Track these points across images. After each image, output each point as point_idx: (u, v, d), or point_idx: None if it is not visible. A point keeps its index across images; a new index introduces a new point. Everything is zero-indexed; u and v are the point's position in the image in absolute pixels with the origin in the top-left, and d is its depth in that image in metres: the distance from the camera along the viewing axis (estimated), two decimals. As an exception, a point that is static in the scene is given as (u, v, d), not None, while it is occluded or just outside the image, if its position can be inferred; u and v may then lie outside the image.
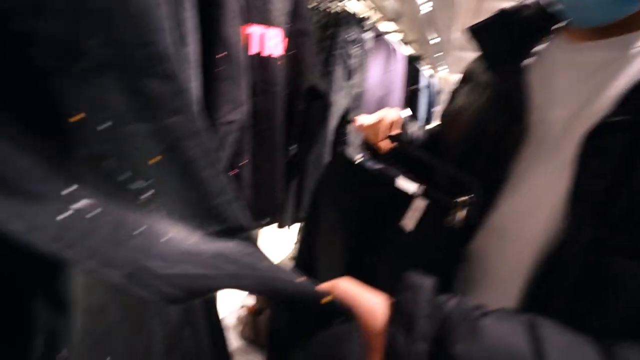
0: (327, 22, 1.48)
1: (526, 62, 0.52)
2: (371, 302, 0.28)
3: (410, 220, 0.59)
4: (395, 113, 0.71)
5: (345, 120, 1.72)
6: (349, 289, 0.29)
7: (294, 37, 0.94)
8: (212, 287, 0.23)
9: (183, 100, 0.33)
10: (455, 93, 0.70)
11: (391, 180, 0.67)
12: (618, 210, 0.38)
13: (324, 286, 0.29)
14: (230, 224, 0.35)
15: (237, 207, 0.35)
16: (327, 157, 1.53)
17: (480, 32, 0.56)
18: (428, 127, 0.79)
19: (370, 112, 2.02)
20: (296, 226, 1.90)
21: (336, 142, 1.73)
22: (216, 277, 0.23)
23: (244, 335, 1.50)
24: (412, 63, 3.00)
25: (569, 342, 0.27)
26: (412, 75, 3.05)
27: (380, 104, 1.97)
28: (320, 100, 1.06)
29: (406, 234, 0.58)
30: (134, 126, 0.32)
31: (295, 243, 2.04)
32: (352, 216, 0.70)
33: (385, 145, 0.70)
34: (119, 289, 0.27)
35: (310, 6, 1.50)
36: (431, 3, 2.33)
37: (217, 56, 0.57)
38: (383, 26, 2.42)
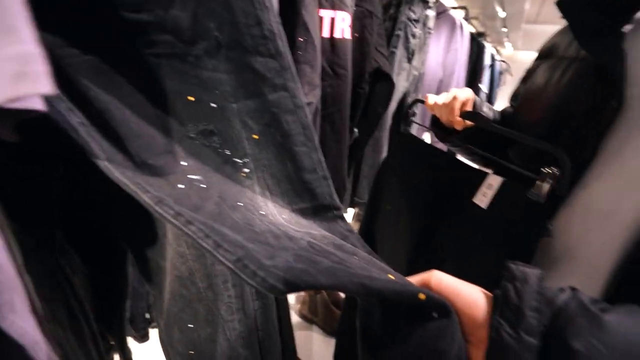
0: (389, 1, 1.43)
1: (624, 31, 0.46)
2: (470, 294, 0.27)
3: (485, 197, 0.58)
4: (467, 92, 0.69)
5: (405, 103, 1.67)
6: (443, 281, 0.27)
7: (360, 18, 0.93)
8: (311, 284, 0.22)
9: (287, 76, 0.34)
10: (532, 71, 0.65)
11: (462, 159, 0.66)
12: None
13: (416, 279, 0.29)
14: (321, 201, 0.36)
15: (329, 185, 0.36)
16: (385, 141, 1.51)
17: (570, 6, 0.51)
18: (498, 108, 0.74)
19: (431, 93, 1.94)
20: (351, 211, 1.91)
21: (395, 126, 1.69)
22: (315, 274, 0.23)
23: (301, 313, 1.57)
24: (476, 40, 2.79)
25: None
26: (476, 54, 2.85)
27: (441, 86, 1.87)
28: (384, 83, 1.04)
29: (480, 210, 0.56)
30: (241, 103, 0.34)
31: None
32: (422, 196, 0.70)
33: (459, 123, 0.69)
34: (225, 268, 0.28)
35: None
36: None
37: (299, 39, 0.58)
38: (446, 1, 2.27)
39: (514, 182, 0.54)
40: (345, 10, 0.79)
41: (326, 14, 0.75)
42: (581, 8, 0.51)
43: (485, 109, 0.71)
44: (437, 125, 0.75)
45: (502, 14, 3.32)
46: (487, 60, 2.92)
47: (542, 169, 0.48)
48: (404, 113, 0.87)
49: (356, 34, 0.95)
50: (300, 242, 0.29)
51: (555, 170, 0.47)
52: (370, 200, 0.84)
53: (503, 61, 3.68)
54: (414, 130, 1.51)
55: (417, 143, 0.76)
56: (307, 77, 0.61)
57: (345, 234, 0.35)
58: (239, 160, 0.36)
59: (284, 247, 0.27)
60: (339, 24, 0.78)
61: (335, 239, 0.33)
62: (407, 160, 0.77)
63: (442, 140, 0.77)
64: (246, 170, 0.36)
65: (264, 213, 0.33)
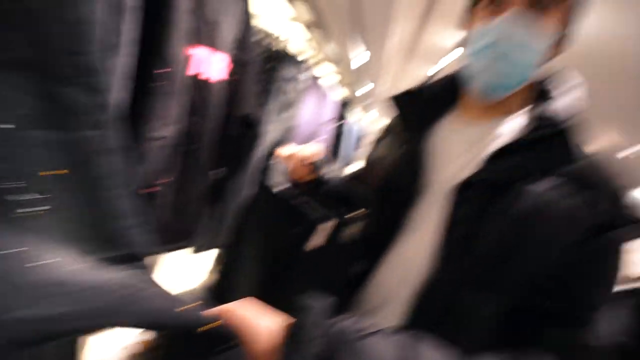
0: (268, 56, 1.54)
1: (432, 129, 0.63)
2: (263, 325, 0.28)
3: (315, 242, 0.66)
4: (314, 147, 0.77)
5: (273, 150, 1.76)
6: (246, 311, 0.29)
7: (237, 65, 0.95)
8: (70, 328, 0.21)
9: (103, 115, 0.31)
10: (378, 142, 0.79)
11: (306, 207, 0.73)
12: (473, 252, 0.48)
13: (220, 310, 0.29)
14: (127, 251, 0.33)
15: (138, 233, 0.33)
16: (251, 185, 1.52)
17: (399, 99, 0.66)
18: (351, 168, 0.87)
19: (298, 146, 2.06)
20: (213, 252, 1.79)
21: (263, 171, 1.74)
22: (79, 315, 0.22)
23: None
24: (344, 105, 3.24)
25: (440, 357, 0.34)
26: (342, 116, 3.28)
27: (308, 140, 2.06)
28: (253, 129, 1.07)
29: (313, 253, 0.64)
30: (43, 132, 0.30)
31: (211, 270, 1.91)
32: (272, 241, 0.73)
33: (303, 174, 0.75)
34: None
35: (257, 38, 1.55)
36: (366, 55, 2.59)
37: (157, 71, 0.55)
38: (322, 68, 2.58)
39: (340, 225, 0.64)
40: (224, 52, 0.80)
41: (202, 52, 0.75)
42: (407, 103, 0.66)
43: (333, 165, 0.81)
44: (289, 176, 0.81)
45: (366, 87, 3.98)
46: (351, 123, 3.40)
47: (349, 216, 0.59)
48: (267, 164, 0.91)
49: (234, 78, 0.97)
50: (81, 286, 0.26)
51: (360, 212, 0.58)
52: (230, 244, 0.84)
53: (366, 126, 4.32)
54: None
55: (271, 192, 0.80)
56: (162, 111, 0.57)
57: (143, 283, 0.33)
58: (25, 197, 0.29)
59: (53, 294, 0.24)
60: (215, 64, 0.79)
61: (131, 280, 0.30)
62: (263, 207, 0.80)
63: (288, 189, 0.82)
64: (34, 209, 0.30)
65: (44, 262, 0.27)
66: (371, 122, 6.48)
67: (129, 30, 0.47)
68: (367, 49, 2.46)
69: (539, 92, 0.58)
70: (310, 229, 0.66)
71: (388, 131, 0.79)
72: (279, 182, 0.82)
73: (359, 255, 0.61)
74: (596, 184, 0.49)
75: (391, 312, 0.54)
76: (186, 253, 1.42)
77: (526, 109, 0.58)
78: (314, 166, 0.74)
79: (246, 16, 0.93)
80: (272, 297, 0.69)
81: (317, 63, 2.12)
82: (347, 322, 0.29)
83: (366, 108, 5.95)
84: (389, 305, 0.56)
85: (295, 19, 1.54)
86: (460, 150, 0.59)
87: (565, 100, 0.54)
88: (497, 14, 0.52)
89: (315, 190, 0.78)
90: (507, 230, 0.48)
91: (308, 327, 0.27)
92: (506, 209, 0.49)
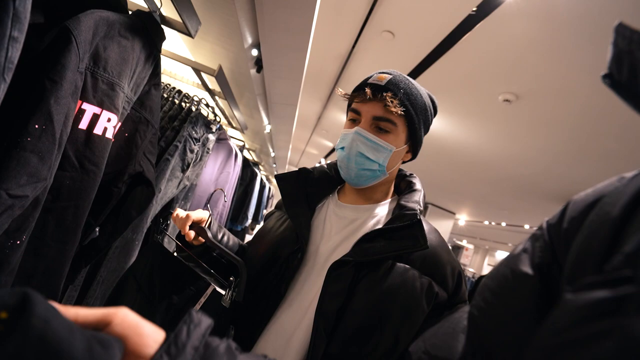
0: (176, 115, 1.54)
1: (316, 207, 0.73)
2: (146, 333, 0.28)
3: (199, 304, 0.66)
4: (204, 214, 0.79)
5: (170, 208, 1.66)
6: (128, 318, 0.28)
7: (135, 122, 0.94)
8: None
9: None
10: (269, 215, 0.85)
11: (192, 268, 0.73)
12: (342, 325, 0.55)
13: (101, 312, 0.28)
14: None
15: None
16: (139, 245, 1.39)
17: (283, 179, 0.76)
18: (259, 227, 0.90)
19: (199, 205, 2.01)
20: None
21: (156, 229, 1.61)
22: None
23: None
24: (252, 167, 3.31)
25: None
26: (250, 177, 3.33)
27: (211, 200, 2.02)
28: (144, 187, 1.02)
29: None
30: None
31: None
32: (159, 302, 0.70)
33: (188, 235, 0.75)
34: None
35: (164, 95, 1.55)
36: (272, 125, 2.78)
37: (35, 125, 0.52)
38: (230, 132, 2.65)
39: (216, 289, 0.65)
40: (113, 112, 0.79)
41: (90, 108, 0.73)
42: (289, 183, 0.76)
43: (216, 230, 0.82)
44: (179, 239, 0.81)
45: (272, 153, 4.17)
46: (257, 185, 3.45)
47: (229, 278, 0.61)
48: (158, 224, 0.88)
49: (126, 134, 0.94)
50: None
51: (234, 279, 0.61)
52: (109, 301, 0.81)
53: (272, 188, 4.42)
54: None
55: (164, 252, 0.78)
56: (31, 167, 0.53)
57: None
58: None
59: None
60: (102, 122, 0.77)
61: None
62: (151, 267, 0.77)
63: (179, 251, 0.82)
64: None
65: None
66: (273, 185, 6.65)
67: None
68: (270, 122, 2.66)
69: (396, 188, 0.76)
70: (195, 290, 0.66)
71: (278, 206, 0.86)
72: (169, 241, 0.80)
73: (238, 322, 0.63)
74: (442, 265, 0.64)
75: None
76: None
77: (389, 199, 0.74)
78: (202, 231, 0.75)
79: (152, 78, 0.95)
80: None
81: (224, 127, 2.18)
82: (227, 345, 0.30)
83: (271, 171, 6.15)
84: None
85: (202, 87, 1.62)
86: (337, 228, 0.69)
87: (414, 198, 0.71)
88: (352, 127, 0.68)
89: (201, 254, 0.78)
90: (375, 302, 0.58)
91: (190, 337, 0.27)
92: (374, 285, 0.59)
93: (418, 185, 0.76)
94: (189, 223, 0.75)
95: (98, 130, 0.76)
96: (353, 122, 0.69)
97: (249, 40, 1.29)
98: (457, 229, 8.72)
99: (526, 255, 0.33)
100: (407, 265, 0.61)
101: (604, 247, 0.25)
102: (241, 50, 1.35)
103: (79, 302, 1.22)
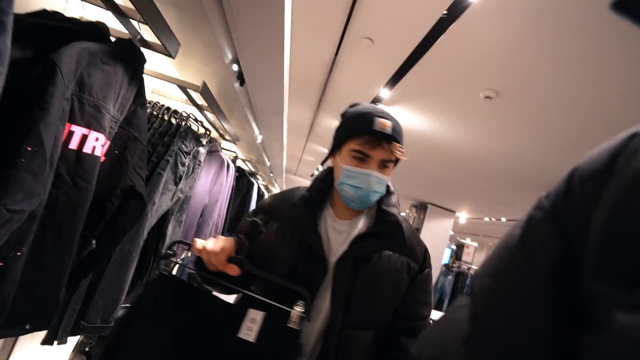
0: (166, 131, 1.62)
1: (319, 224, 0.85)
2: None
3: (251, 331, 0.67)
4: (230, 241, 0.77)
5: (167, 220, 1.73)
6: None
7: (124, 139, 1.01)
8: None
9: None
10: (262, 223, 0.88)
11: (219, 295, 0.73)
12: (352, 303, 0.75)
13: None
14: None
15: None
16: (136, 257, 1.45)
17: (295, 207, 0.86)
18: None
19: (195, 216, 2.07)
20: (72, 340, 1.53)
21: (151, 242, 1.67)
22: None
23: None
24: (248, 177, 3.38)
25: None
26: (246, 187, 3.40)
27: (206, 210, 2.09)
28: (136, 201, 1.09)
29: (248, 344, 0.66)
30: None
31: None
32: (180, 335, 0.69)
33: (232, 269, 0.73)
34: None
35: (152, 112, 1.63)
36: (262, 136, 2.86)
37: (27, 147, 0.59)
38: (224, 144, 2.73)
39: (275, 315, 0.68)
40: (100, 132, 0.86)
41: (78, 130, 0.80)
42: (303, 207, 0.85)
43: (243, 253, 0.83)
44: (202, 269, 0.77)
45: (267, 163, 4.25)
46: (255, 194, 3.52)
47: (296, 304, 0.69)
48: (164, 253, 0.81)
49: (116, 151, 1.02)
50: None
51: (302, 303, 0.68)
52: (115, 336, 0.72)
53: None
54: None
55: (177, 282, 0.75)
56: (26, 185, 0.60)
57: None
58: None
59: None
60: (91, 142, 0.84)
61: None
62: (164, 299, 0.74)
63: (207, 283, 0.81)
64: None
65: None
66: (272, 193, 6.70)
67: None
68: (261, 132, 2.74)
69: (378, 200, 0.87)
70: (235, 317, 0.68)
71: (267, 212, 0.91)
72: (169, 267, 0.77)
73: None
74: (414, 247, 0.86)
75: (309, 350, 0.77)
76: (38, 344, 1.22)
77: (371, 210, 0.88)
78: (241, 262, 0.73)
79: (137, 98, 1.03)
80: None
81: (218, 139, 2.26)
82: None
83: (271, 179, 6.22)
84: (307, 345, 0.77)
85: (190, 102, 1.70)
86: (339, 242, 0.83)
87: (392, 201, 0.88)
88: (362, 166, 0.80)
89: (239, 281, 0.77)
90: (371, 283, 0.78)
91: None
92: (369, 271, 0.79)
93: (392, 187, 0.91)
94: (226, 256, 0.73)
95: (87, 149, 0.83)
96: (360, 161, 0.80)
97: (229, 56, 1.37)
98: (459, 227, 8.74)
99: (529, 248, 0.27)
100: (390, 252, 0.82)
101: None
102: (223, 66, 1.43)
103: (82, 313, 1.28)
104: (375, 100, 2.98)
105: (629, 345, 0.17)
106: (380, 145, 0.77)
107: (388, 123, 0.77)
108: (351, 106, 0.88)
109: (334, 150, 0.86)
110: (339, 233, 0.84)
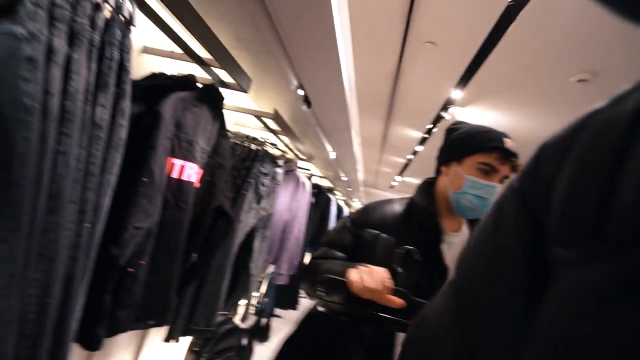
0: (246, 156, 1.84)
1: (440, 238, 0.88)
2: None
3: None
4: (385, 272, 0.75)
5: (253, 235, 1.93)
6: None
7: (212, 167, 1.21)
8: None
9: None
10: (372, 239, 0.88)
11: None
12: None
13: None
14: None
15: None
16: (229, 269, 1.65)
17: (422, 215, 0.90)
18: None
19: (277, 231, 2.25)
20: (186, 340, 1.80)
21: (241, 255, 1.88)
22: None
23: None
24: (325, 194, 3.53)
25: None
26: (325, 203, 3.55)
27: (286, 225, 2.26)
28: (224, 219, 1.27)
29: None
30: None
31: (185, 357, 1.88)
32: None
33: (397, 303, 0.72)
34: None
35: (235, 141, 1.87)
36: (335, 153, 2.97)
37: (143, 179, 0.78)
38: (301, 163, 2.93)
39: None
40: (194, 162, 1.05)
41: (177, 162, 1.00)
42: (403, 230, 0.88)
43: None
44: (353, 301, 0.76)
45: (344, 178, 4.35)
46: (334, 208, 3.64)
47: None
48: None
49: (207, 178, 1.21)
50: None
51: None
52: None
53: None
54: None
55: (330, 319, 0.81)
56: (143, 207, 0.78)
57: None
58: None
59: None
60: (187, 171, 1.03)
61: None
62: (321, 337, 0.79)
63: (354, 314, 0.81)
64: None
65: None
66: (352, 208, 6.76)
67: (116, 158, 0.69)
68: (334, 149, 2.85)
69: None
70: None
71: (374, 227, 0.90)
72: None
73: None
74: None
75: None
76: (159, 340, 1.47)
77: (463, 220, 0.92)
78: (404, 294, 0.72)
79: (220, 131, 1.22)
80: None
81: (291, 160, 2.45)
82: None
83: (349, 195, 6.31)
84: None
85: (266, 129, 1.89)
86: (452, 250, 0.87)
87: None
88: (487, 179, 0.84)
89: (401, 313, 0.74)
90: None
91: None
92: None
93: None
94: (389, 291, 0.72)
95: (185, 177, 1.02)
96: (486, 174, 0.85)
97: (294, 82, 1.52)
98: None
99: (501, 228, 0.27)
100: None
101: (597, 195, 0.19)
102: (290, 92, 1.58)
103: (190, 317, 1.50)
104: (448, 103, 2.86)
105: (572, 298, 0.18)
106: (508, 161, 0.84)
107: (511, 142, 0.85)
108: (455, 124, 0.95)
109: (450, 160, 0.90)
110: (451, 245, 0.88)
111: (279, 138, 2.15)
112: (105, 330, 0.76)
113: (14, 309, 0.41)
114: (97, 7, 0.55)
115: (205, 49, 0.92)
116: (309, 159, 2.60)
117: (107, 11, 0.59)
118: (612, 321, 0.16)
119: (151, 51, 1.16)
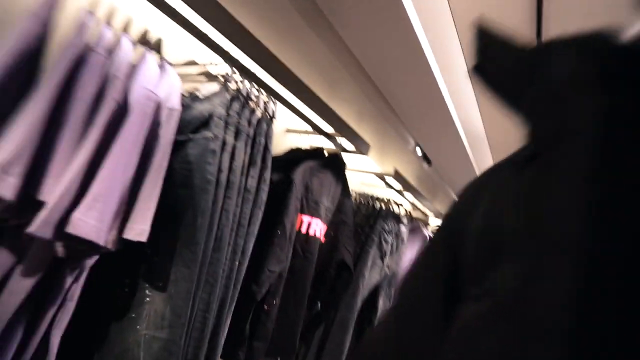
0: (370, 214, 1.95)
1: None
2: None
3: None
4: None
5: (378, 293, 1.95)
6: None
7: (336, 224, 1.37)
8: None
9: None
10: None
11: None
12: None
13: None
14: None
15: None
16: (352, 322, 1.70)
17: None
18: None
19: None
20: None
21: (366, 311, 1.90)
22: None
23: None
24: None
25: None
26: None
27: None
28: (347, 272, 1.38)
29: None
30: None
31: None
32: None
33: None
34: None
35: (361, 200, 2.03)
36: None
37: (277, 231, 0.98)
38: (432, 221, 2.84)
39: None
40: (319, 219, 1.23)
41: (306, 218, 1.20)
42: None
43: None
44: None
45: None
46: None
47: None
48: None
49: (332, 233, 1.37)
50: None
51: None
52: None
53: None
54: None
55: None
56: (277, 254, 0.97)
57: None
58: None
59: None
60: (313, 226, 1.21)
61: None
62: None
63: None
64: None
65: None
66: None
67: (258, 214, 0.90)
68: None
69: None
70: None
71: None
72: None
73: None
74: None
75: None
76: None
77: None
78: None
79: (343, 192, 1.38)
80: None
81: (416, 218, 2.43)
82: None
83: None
84: None
85: (389, 187, 1.99)
86: None
87: None
88: None
89: None
90: None
91: None
92: None
93: None
94: None
95: (312, 232, 1.20)
96: None
97: (412, 142, 1.60)
98: None
99: (427, 261, 0.30)
100: None
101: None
102: (408, 152, 1.67)
103: (316, 367, 1.59)
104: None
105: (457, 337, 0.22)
106: None
107: None
108: None
109: None
110: None
111: (404, 197, 2.20)
112: (243, 355, 0.94)
113: (188, 316, 0.60)
114: (253, 112, 0.81)
115: (329, 124, 1.14)
116: (437, 215, 2.51)
117: (258, 112, 0.85)
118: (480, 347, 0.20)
119: (292, 131, 1.48)
